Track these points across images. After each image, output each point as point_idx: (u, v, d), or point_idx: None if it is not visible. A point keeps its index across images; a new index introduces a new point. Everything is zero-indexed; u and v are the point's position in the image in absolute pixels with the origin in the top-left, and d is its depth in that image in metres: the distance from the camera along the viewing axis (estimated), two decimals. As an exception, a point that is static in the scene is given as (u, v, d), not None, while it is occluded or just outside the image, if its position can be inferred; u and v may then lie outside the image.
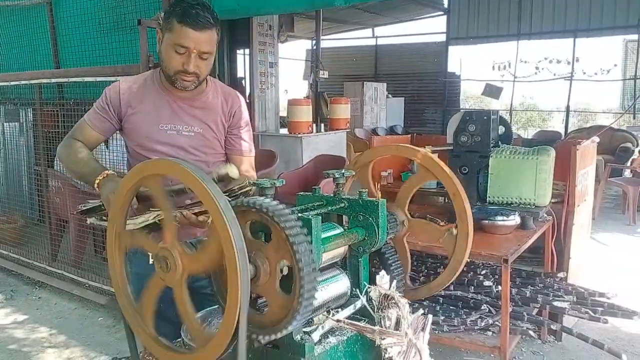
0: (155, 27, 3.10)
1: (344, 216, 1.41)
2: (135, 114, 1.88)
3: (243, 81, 8.10)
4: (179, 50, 1.73)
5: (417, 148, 1.47)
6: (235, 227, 0.95)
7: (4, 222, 5.11)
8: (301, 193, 1.45)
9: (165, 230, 1.13)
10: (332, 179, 1.41)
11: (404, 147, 1.52)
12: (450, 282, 1.48)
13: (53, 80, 4.02)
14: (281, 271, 1.04)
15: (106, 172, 1.71)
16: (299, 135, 6.27)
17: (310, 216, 1.12)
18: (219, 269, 1.09)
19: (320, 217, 1.16)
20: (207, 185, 0.98)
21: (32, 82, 4.18)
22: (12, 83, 4.49)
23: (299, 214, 1.12)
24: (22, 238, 5.03)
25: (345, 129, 7.07)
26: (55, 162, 4.56)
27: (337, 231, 1.32)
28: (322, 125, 7.08)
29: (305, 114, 6.37)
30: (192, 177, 1.00)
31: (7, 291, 4.42)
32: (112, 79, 3.51)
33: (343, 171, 1.40)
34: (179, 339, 1.35)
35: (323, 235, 1.21)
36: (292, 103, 6.50)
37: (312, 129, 6.58)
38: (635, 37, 9.56)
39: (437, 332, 2.75)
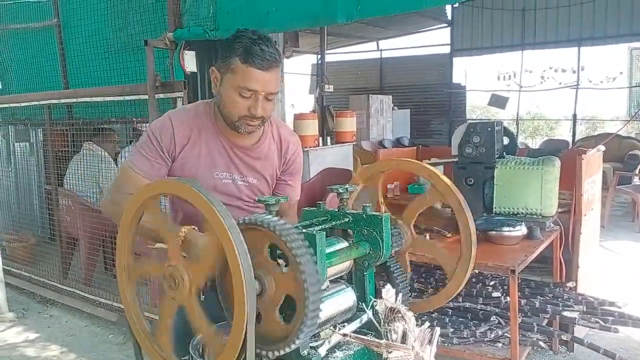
0: (161, 47, 3.17)
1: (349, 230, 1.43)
2: (188, 156, 1.69)
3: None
4: (245, 94, 1.57)
5: (420, 162, 1.49)
6: (240, 245, 0.98)
7: (15, 241, 5.16)
8: (306, 208, 1.46)
9: (168, 248, 1.15)
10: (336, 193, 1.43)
11: (408, 162, 1.53)
12: (454, 295, 1.49)
13: (62, 101, 4.08)
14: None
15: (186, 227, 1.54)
16: (306, 149, 6.28)
17: (314, 232, 1.14)
18: (224, 277, 1.11)
19: (325, 232, 1.18)
20: (214, 204, 1.01)
21: (42, 102, 4.24)
22: (23, 104, 4.57)
23: (304, 230, 1.14)
24: (34, 256, 5.08)
25: (351, 141, 7.09)
26: (65, 181, 4.62)
27: (342, 246, 1.33)
28: (329, 138, 7.10)
29: (312, 127, 6.39)
30: (199, 196, 1.03)
31: (19, 309, 4.45)
32: (120, 98, 3.57)
33: (347, 186, 1.42)
34: (186, 357, 1.36)
35: (328, 250, 1.23)
36: (298, 117, 6.53)
37: (319, 142, 6.60)
38: (639, 44, 9.57)
39: (446, 344, 2.75)
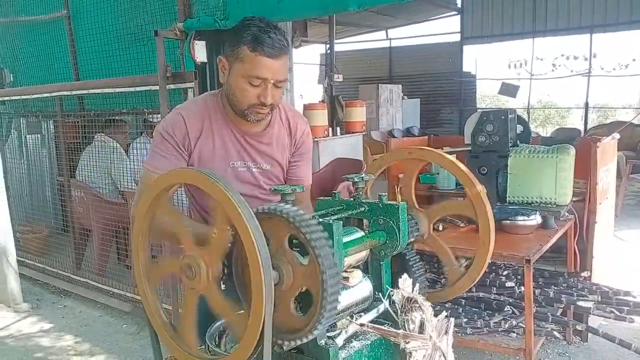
0: (171, 37, 3.15)
1: (364, 220, 1.42)
2: (203, 149, 1.69)
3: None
4: (254, 82, 1.56)
5: (441, 152, 1.47)
6: (259, 237, 0.97)
7: (29, 232, 5.20)
8: (321, 198, 1.46)
9: (181, 239, 1.14)
10: (351, 182, 1.42)
11: (429, 152, 1.51)
12: (472, 285, 1.48)
13: (74, 92, 4.09)
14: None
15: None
16: (316, 140, 6.27)
17: (331, 221, 1.13)
18: (240, 266, 1.10)
19: (342, 221, 1.17)
20: (230, 193, 1.00)
21: (53, 94, 4.25)
22: (34, 96, 4.59)
23: (320, 219, 1.13)
24: (47, 247, 5.12)
25: (361, 132, 7.07)
26: (77, 172, 4.64)
27: (358, 235, 1.32)
28: (338, 128, 7.08)
29: (321, 118, 6.38)
30: (215, 185, 1.02)
31: (33, 300, 4.50)
32: (131, 89, 3.57)
33: (363, 175, 1.41)
34: (202, 346, 1.36)
35: (344, 240, 1.22)
36: (307, 108, 6.52)
37: (329, 132, 6.59)
38: (653, 30, 9.42)
39: (460, 334, 2.73)
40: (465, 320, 2.80)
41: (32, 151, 5.41)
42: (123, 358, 3.52)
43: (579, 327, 2.89)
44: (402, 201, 1.33)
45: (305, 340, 1.10)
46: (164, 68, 3.09)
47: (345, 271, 1.27)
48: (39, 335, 3.89)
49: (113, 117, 4.53)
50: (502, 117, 2.96)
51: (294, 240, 1.10)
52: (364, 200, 1.38)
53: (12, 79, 5.18)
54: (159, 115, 3.36)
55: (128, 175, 4.30)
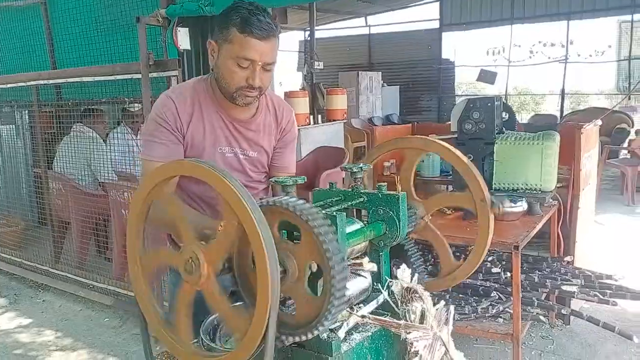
0: (153, 24, 3.07)
1: (362, 210, 1.40)
2: (195, 133, 1.69)
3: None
4: (242, 64, 1.57)
5: (442, 143, 1.46)
6: (265, 229, 0.94)
7: (4, 226, 5.09)
8: (317, 189, 1.44)
9: (181, 231, 1.11)
10: (349, 172, 1.39)
11: (429, 141, 1.49)
12: (475, 269, 1.48)
13: (51, 82, 3.97)
14: (310, 270, 1.02)
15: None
16: (297, 128, 6.23)
17: (334, 212, 1.11)
18: (241, 258, 1.07)
19: (345, 213, 1.15)
20: (234, 185, 0.96)
21: (30, 84, 4.13)
22: (9, 85, 4.44)
23: (324, 211, 1.11)
24: (24, 241, 5.01)
25: (342, 119, 7.04)
26: (54, 164, 4.53)
27: (359, 226, 1.31)
28: (320, 116, 7.04)
29: (302, 105, 6.32)
30: (217, 177, 0.98)
31: (11, 295, 4.40)
32: (111, 78, 3.48)
33: (361, 165, 1.39)
34: (196, 340, 1.33)
35: (347, 231, 1.20)
36: (289, 95, 6.45)
37: (310, 120, 6.55)
38: (629, 17, 9.54)
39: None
40: (452, 307, 2.82)
41: (6, 142, 5.27)
42: (106, 352, 3.46)
43: (564, 311, 2.94)
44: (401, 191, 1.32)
45: (310, 336, 1.08)
46: (146, 56, 3.01)
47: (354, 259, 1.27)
48: (18, 331, 3.81)
49: (91, 107, 4.43)
50: (489, 104, 2.96)
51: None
52: (362, 191, 1.36)
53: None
54: (139, 105, 3.29)
55: (108, 166, 4.22)
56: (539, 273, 3.03)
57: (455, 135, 3.08)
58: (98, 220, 4.36)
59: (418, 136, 1.48)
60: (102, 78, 3.52)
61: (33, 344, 3.59)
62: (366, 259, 1.28)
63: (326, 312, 0.99)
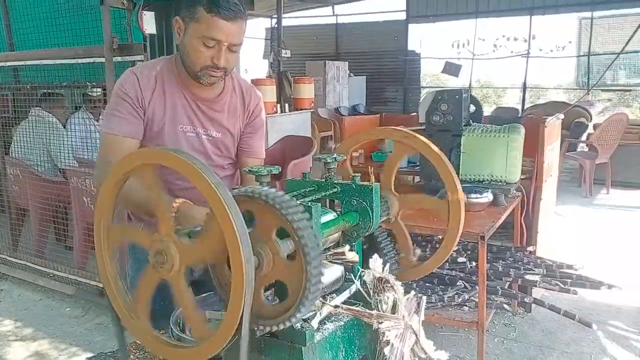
0: (118, 6, 2.98)
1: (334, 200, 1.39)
2: (156, 111, 1.69)
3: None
4: (208, 44, 1.56)
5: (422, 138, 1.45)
6: (238, 218, 0.92)
7: (-43, 213, 4.88)
8: (289, 179, 1.42)
9: (159, 220, 1.07)
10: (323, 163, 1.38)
11: (405, 134, 1.49)
12: (448, 257, 1.50)
13: (9, 64, 3.81)
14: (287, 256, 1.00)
15: (179, 200, 1.42)
16: (264, 116, 6.18)
17: (309, 203, 1.10)
18: (220, 260, 1.05)
19: (320, 203, 1.14)
20: (206, 174, 0.94)
21: (-15, 66, 3.96)
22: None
23: (299, 201, 1.09)
24: (-22, 229, 4.83)
25: (309, 108, 7.02)
26: (11, 149, 4.37)
27: (332, 216, 1.30)
28: (287, 105, 7.00)
29: (269, 94, 6.28)
30: (190, 166, 0.95)
31: (-35, 285, 4.26)
32: (72, 61, 3.36)
33: (335, 155, 1.38)
34: (163, 330, 1.30)
35: (322, 221, 1.19)
36: (256, 83, 6.38)
37: (277, 109, 6.50)
38: (589, 14, 9.79)
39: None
40: (424, 297, 2.86)
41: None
42: (68, 342, 3.38)
43: (527, 300, 3.02)
44: (379, 181, 1.32)
45: (282, 327, 1.06)
46: (110, 39, 2.92)
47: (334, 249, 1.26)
48: (-25, 321, 3.69)
49: (51, 91, 4.28)
50: (457, 96, 2.99)
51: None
52: (336, 181, 1.35)
53: None
54: (100, 90, 3.19)
55: (67, 152, 4.09)
56: (503, 262, 3.10)
57: (424, 127, 3.10)
58: (58, 207, 4.24)
59: (395, 128, 1.47)
60: (64, 61, 3.40)
61: (-10, 335, 3.49)
62: (347, 247, 1.28)
63: (300, 304, 0.98)
